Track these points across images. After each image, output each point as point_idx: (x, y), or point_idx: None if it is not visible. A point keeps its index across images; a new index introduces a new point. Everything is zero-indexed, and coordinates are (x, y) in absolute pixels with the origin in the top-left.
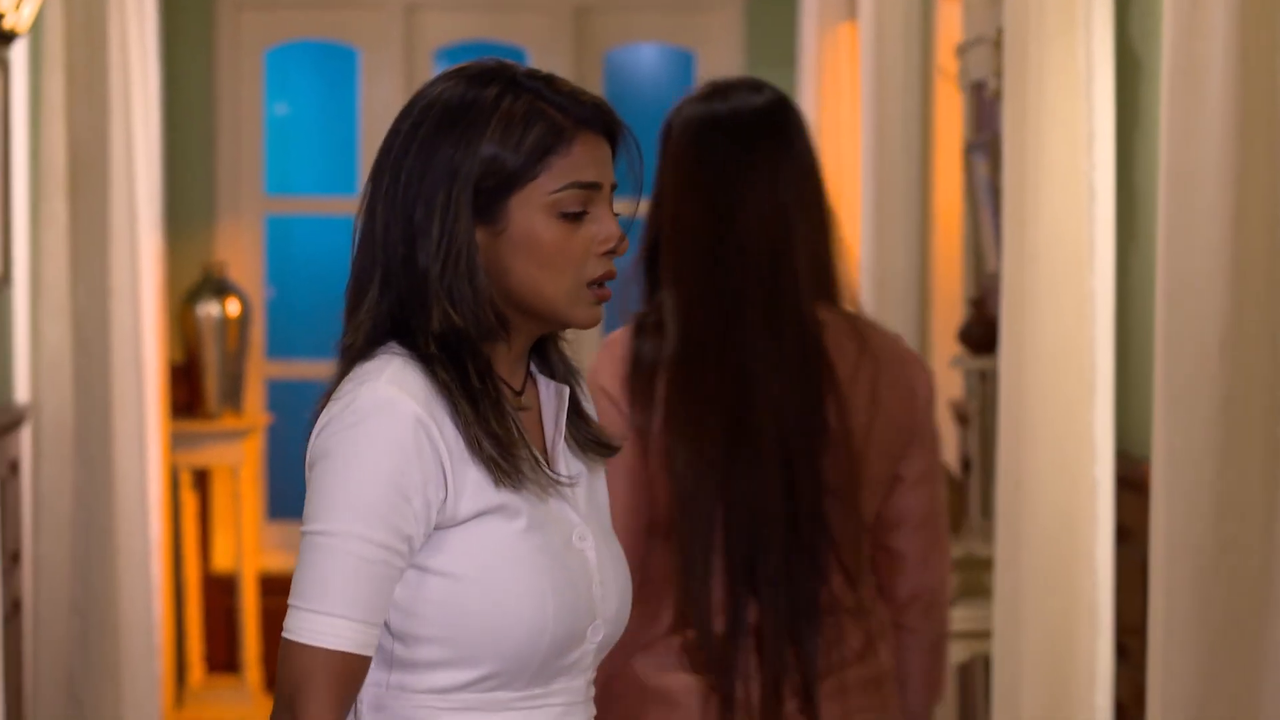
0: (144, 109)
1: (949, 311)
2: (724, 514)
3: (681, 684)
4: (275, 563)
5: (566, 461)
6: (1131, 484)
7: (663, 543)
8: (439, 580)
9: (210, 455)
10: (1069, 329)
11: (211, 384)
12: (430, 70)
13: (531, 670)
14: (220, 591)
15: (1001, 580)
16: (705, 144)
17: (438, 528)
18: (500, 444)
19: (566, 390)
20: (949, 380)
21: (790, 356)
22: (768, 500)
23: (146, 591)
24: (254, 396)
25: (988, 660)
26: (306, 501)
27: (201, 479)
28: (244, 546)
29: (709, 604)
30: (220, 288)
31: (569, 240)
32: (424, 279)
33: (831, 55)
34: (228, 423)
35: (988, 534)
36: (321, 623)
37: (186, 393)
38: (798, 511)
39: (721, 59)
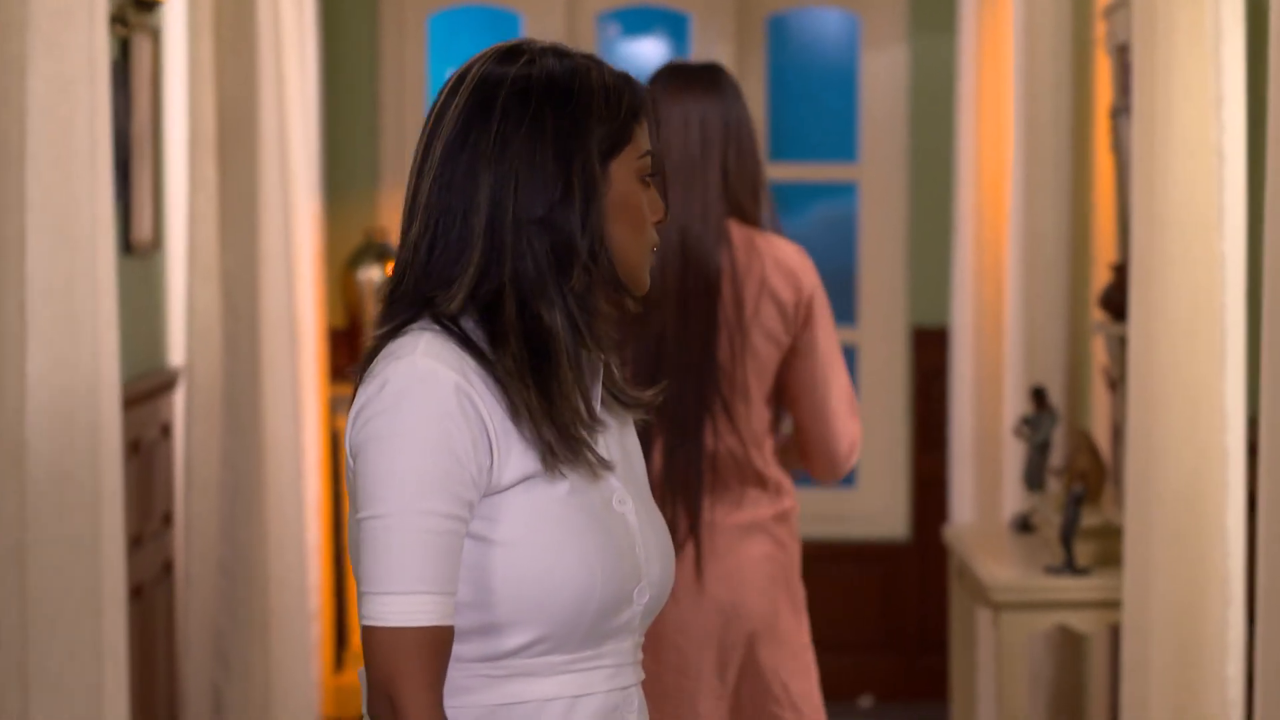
0: (300, 75)
1: (1106, 278)
2: (633, 356)
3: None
4: None
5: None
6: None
7: None
8: (488, 547)
9: None
10: (1199, 294)
11: None
12: (593, 35)
13: (581, 633)
14: None
15: (1132, 550)
16: (651, 88)
17: (484, 495)
18: (563, 426)
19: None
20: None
21: (692, 242)
22: (668, 348)
23: (299, 555)
24: None
25: (1119, 630)
26: (359, 488)
27: None
28: None
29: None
30: (382, 253)
31: (646, 205)
32: (568, 248)
33: (991, 21)
34: None
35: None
36: (402, 603)
37: (349, 357)
38: (690, 361)
39: (884, 23)
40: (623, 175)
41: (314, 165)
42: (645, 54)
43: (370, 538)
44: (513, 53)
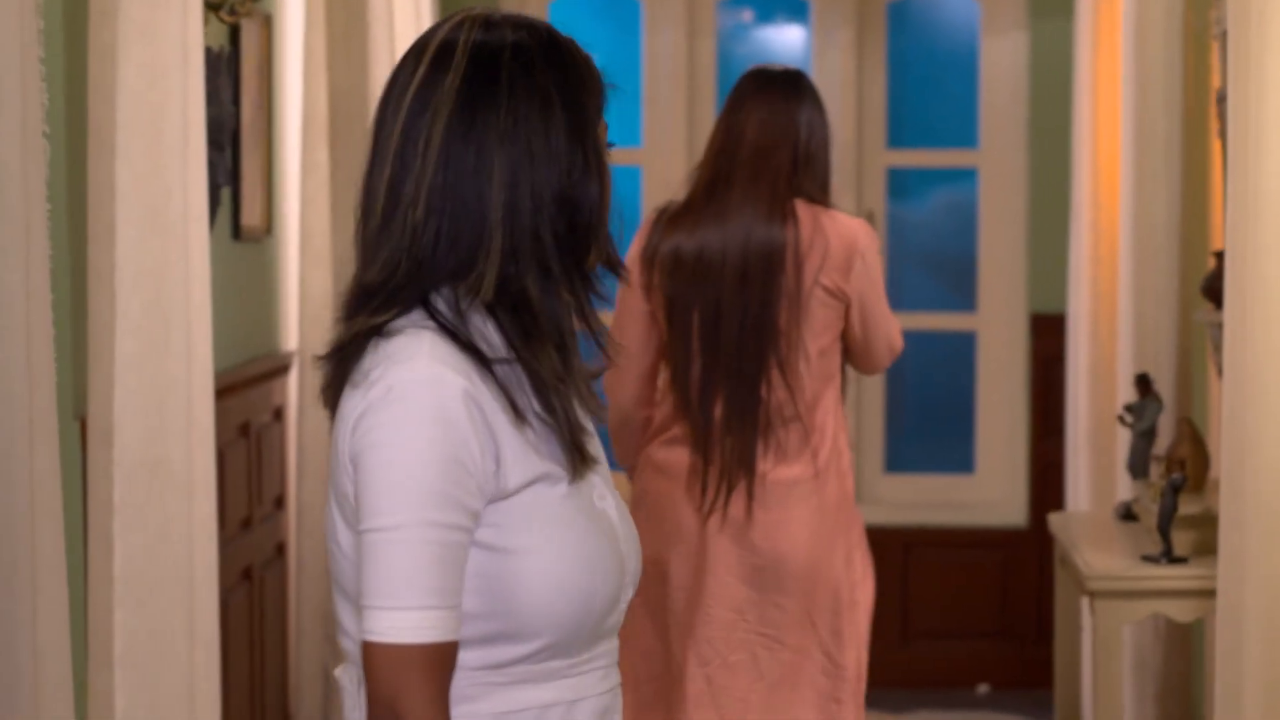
0: None
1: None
2: (698, 320)
3: (676, 458)
4: None
5: None
6: None
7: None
8: (501, 556)
9: None
10: None
11: None
12: (714, 21)
13: (584, 637)
14: None
15: (1226, 538)
16: (737, 88)
17: (490, 501)
18: (572, 426)
19: None
20: None
21: (757, 219)
22: (726, 311)
23: None
24: None
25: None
26: (362, 499)
27: None
28: None
29: (691, 398)
30: None
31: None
32: (587, 226)
33: (1109, 6)
34: None
35: None
36: (408, 618)
37: None
38: (749, 323)
39: (1005, 9)
40: (599, 146)
41: None
42: (781, 40)
43: (375, 550)
44: (490, 22)
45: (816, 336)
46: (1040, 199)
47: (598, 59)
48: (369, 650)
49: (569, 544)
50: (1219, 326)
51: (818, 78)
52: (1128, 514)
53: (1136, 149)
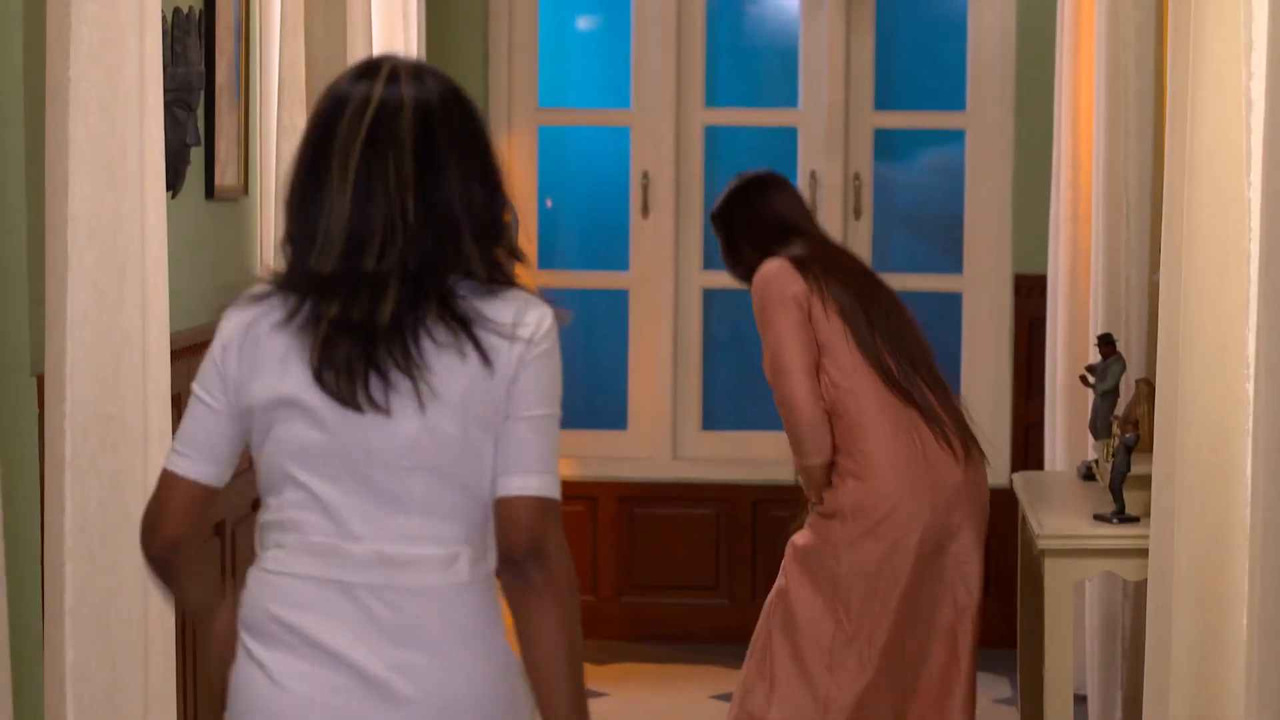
0: (404, 30)
1: None
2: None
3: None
4: None
5: None
6: None
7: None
8: None
9: None
10: (1228, 241)
11: None
12: None
13: None
14: None
15: (1157, 497)
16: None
17: None
18: None
19: None
20: None
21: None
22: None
23: None
24: None
25: None
26: (536, 392)
27: None
28: None
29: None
30: None
31: None
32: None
33: None
34: None
35: None
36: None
37: None
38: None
39: None
40: None
41: None
42: (770, 2)
43: (550, 429)
44: (418, 71)
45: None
46: (1026, 161)
47: (589, 21)
48: (541, 504)
49: None
50: None
51: (806, 41)
52: (1089, 474)
53: (1109, 108)
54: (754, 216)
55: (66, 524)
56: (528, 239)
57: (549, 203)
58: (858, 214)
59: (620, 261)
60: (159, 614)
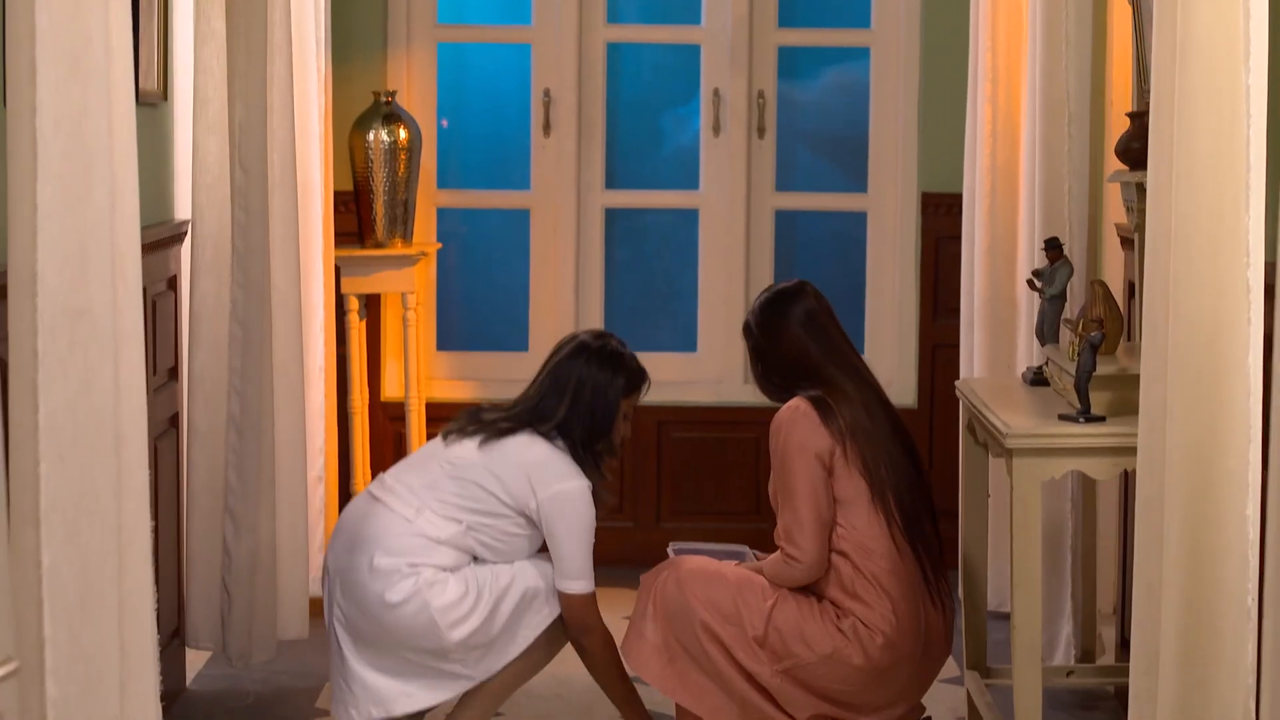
0: None
1: (1120, 128)
2: (893, 486)
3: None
4: (445, 392)
5: None
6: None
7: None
8: None
9: (378, 282)
10: (1222, 129)
11: (380, 210)
12: None
13: None
14: (389, 420)
15: (1147, 392)
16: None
17: None
18: None
19: None
20: (1120, 202)
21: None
22: (902, 470)
23: (300, 417)
24: (424, 225)
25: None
26: None
27: (372, 306)
28: (413, 375)
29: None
30: (390, 115)
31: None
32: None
33: None
34: (397, 249)
35: (1138, 356)
36: None
37: (355, 221)
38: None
39: None
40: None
41: (322, 24)
42: None
43: None
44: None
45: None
46: (932, 78)
47: None
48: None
49: None
50: (1136, 186)
51: None
52: (1037, 379)
53: (1045, 18)
54: (781, 345)
55: (41, 423)
56: (429, 158)
57: (444, 123)
58: (761, 132)
59: (522, 181)
60: (133, 517)
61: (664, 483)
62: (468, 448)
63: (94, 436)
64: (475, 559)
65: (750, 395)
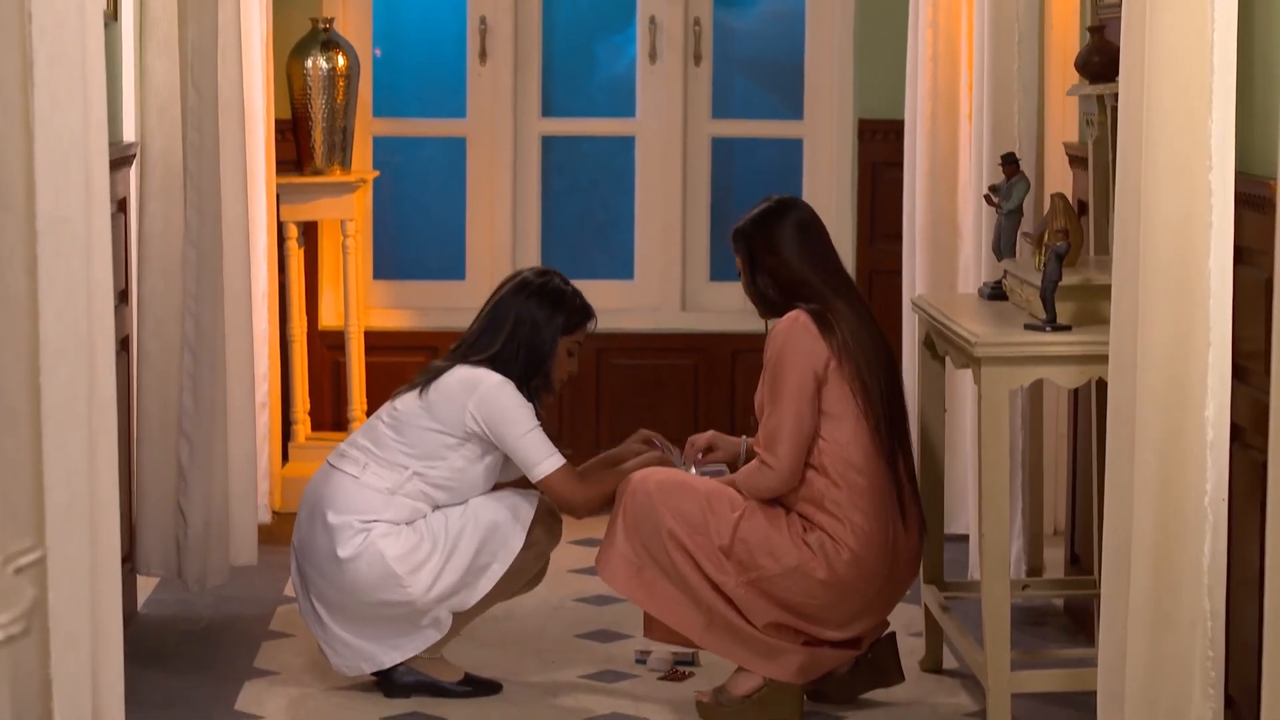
0: None
1: (1066, 44)
2: (882, 403)
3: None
4: (382, 320)
5: None
6: (1253, 203)
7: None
8: None
9: (317, 209)
10: (1189, 38)
11: (319, 137)
12: None
13: None
14: (326, 348)
15: (1119, 300)
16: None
17: None
18: None
19: None
20: (1068, 120)
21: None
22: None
23: (248, 341)
24: (360, 154)
25: (1100, 383)
26: None
27: (309, 233)
28: (353, 303)
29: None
30: (328, 42)
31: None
32: None
33: None
34: (336, 176)
35: (1102, 266)
36: None
37: (293, 149)
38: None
39: None
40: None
41: None
42: None
43: None
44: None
45: None
46: (867, 5)
47: None
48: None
49: None
50: (1095, 99)
51: None
52: (995, 294)
53: None
54: (778, 256)
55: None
56: (365, 86)
57: (378, 52)
58: (698, 60)
59: (458, 109)
60: (102, 429)
61: (603, 410)
62: (408, 399)
63: (73, 348)
64: (434, 507)
65: (687, 322)
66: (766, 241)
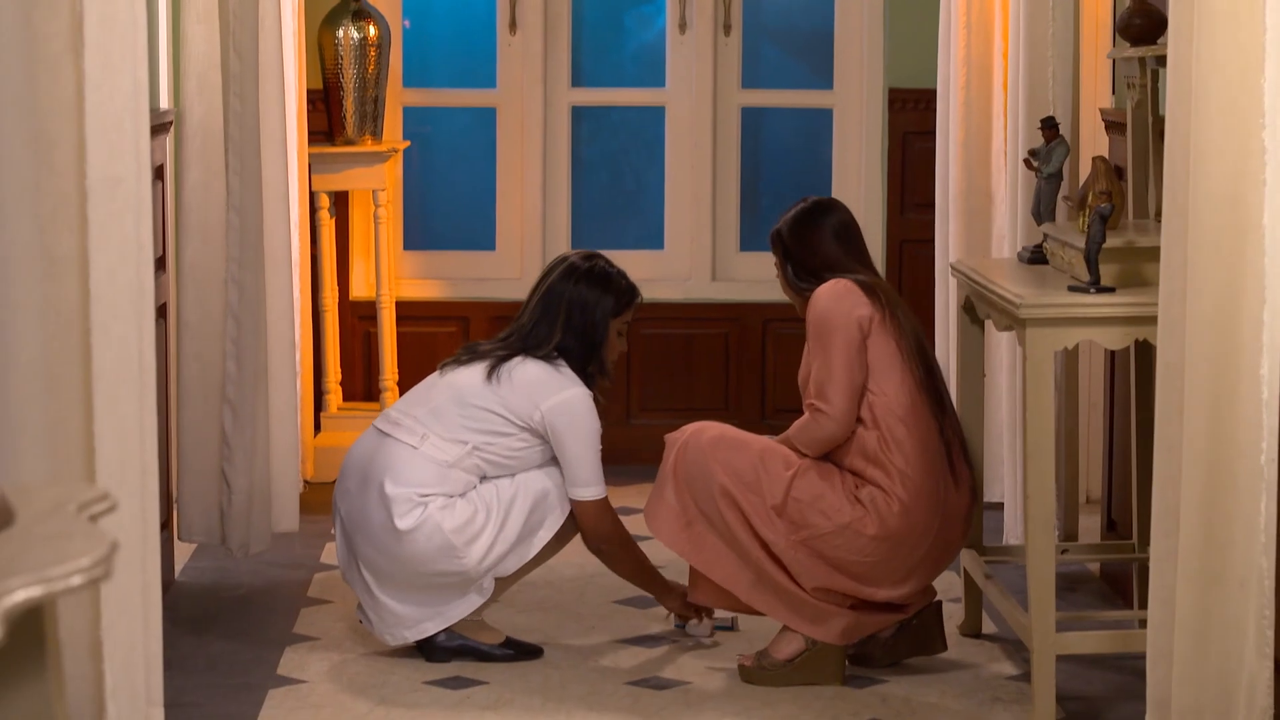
0: None
1: (1099, 9)
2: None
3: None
4: (412, 291)
5: None
6: None
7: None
8: None
9: (349, 179)
10: None
11: (350, 107)
12: None
13: None
14: (357, 319)
15: (1168, 259)
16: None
17: None
18: None
19: None
20: (1099, 85)
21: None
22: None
23: (290, 308)
24: (391, 124)
25: (1140, 348)
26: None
27: (340, 203)
28: (384, 273)
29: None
30: (359, 11)
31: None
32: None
33: None
34: (368, 146)
35: (1142, 229)
36: None
37: (324, 119)
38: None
39: None
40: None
41: None
42: None
43: None
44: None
45: None
46: None
47: None
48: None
49: None
50: (1137, 62)
51: None
52: (1035, 258)
53: None
54: (818, 258)
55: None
56: (395, 57)
57: (406, 23)
58: (728, 30)
59: (488, 79)
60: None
61: (633, 379)
62: (469, 375)
63: (126, 305)
64: (484, 479)
65: (718, 292)
66: (803, 239)
